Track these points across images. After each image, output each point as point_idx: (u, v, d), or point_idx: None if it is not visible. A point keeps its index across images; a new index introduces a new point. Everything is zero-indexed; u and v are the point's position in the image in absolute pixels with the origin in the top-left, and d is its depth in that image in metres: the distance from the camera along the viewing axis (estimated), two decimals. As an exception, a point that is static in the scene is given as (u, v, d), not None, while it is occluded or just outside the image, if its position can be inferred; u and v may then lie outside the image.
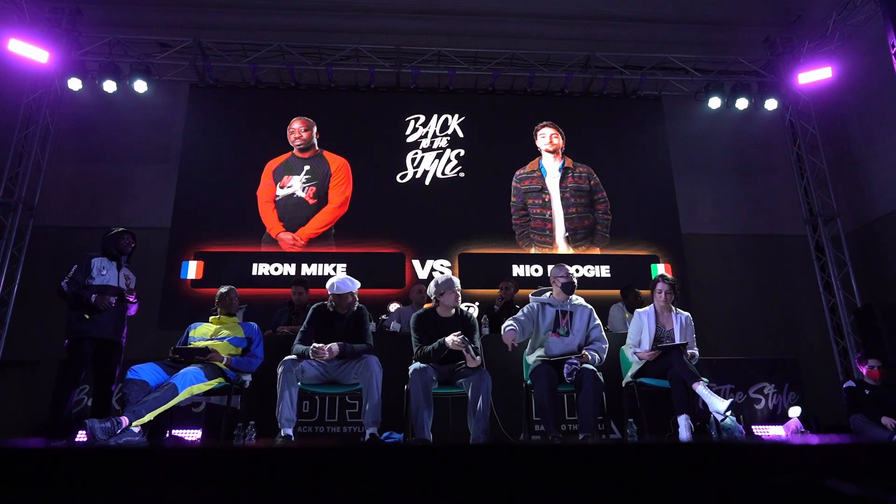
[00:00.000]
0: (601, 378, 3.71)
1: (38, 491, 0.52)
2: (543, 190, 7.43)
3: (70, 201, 7.18)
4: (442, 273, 6.58)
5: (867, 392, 4.74)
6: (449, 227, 7.15)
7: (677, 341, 4.00)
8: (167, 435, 3.94)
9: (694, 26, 7.99)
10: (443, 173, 7.42)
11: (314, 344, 3.66)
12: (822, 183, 7.26)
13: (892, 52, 5.83)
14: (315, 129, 7.47)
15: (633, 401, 4.05)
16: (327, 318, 3.92)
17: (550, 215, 7.34)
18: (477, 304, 6.57)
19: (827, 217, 7.18)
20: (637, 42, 7.71)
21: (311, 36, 7.43)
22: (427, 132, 7.57)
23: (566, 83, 7.56)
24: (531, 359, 3.98)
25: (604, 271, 7.08)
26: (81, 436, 3.83)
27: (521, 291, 5.90)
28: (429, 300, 4.13)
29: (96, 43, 6.87)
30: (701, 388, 3.64)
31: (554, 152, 7.58)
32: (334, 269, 6.83)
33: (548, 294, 4.14)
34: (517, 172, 7.47)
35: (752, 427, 5.03)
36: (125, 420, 3.13)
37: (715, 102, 7.33)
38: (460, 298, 3.95)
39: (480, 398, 3.55)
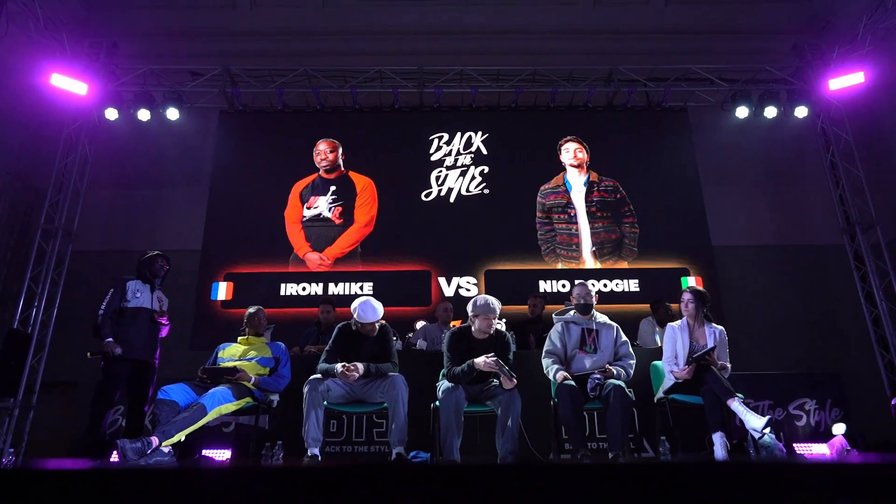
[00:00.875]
0: (630, 394, 3.62)
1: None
2: (569, 204, 7.37)
3: (107, 226, 7.43)
4: (472, 292, 6.57)
5: None
6: (474, 243, 7.14)
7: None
8: (197, 455, 3.98)
9: (718, 36, 7.90)
10: (467, 190, 7.44)
11: (340, 363, 3.66)
12: (859, 190, 7.02)
13: (928, 54, 5.65)
14: (340, 150, 7.59)
15: (665, 418, 3.94)
16: (352, 338, 3.91)
17: (576, 230, 7.27)
18: (504, 320, 6.51)
19: (865, 225, 6.93)
20: (660, 54, 7.65)
21: (336, 60, 7.59)
22: (451, 150, 7.62)
23: (589, 97, 7.53)
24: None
25: (632, 285, 6.96)
26: (115, 456, 3.91)
27: (548, 307, 5.84)
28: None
29: (131, 74, 7.14)
30: (736, 405, 3.52)
31: (579, 166, 7.54)
32: (361, 287, 6.88)
33: (571, 312, 4.10)
34: (542, 188, 7.45)
35: (794, 445, 4.83)
36: (155, 440, 3.18)
37: (742, 112, 7.20)
38: (493, 326, 3.85)
39: (510, 418, 3.50)
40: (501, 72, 7.44)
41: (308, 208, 7.32)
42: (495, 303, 3.82)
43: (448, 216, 7.31)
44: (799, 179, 7.80)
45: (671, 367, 3.96)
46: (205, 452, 4.34)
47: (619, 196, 7.42)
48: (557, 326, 4.08)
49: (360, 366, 3.65)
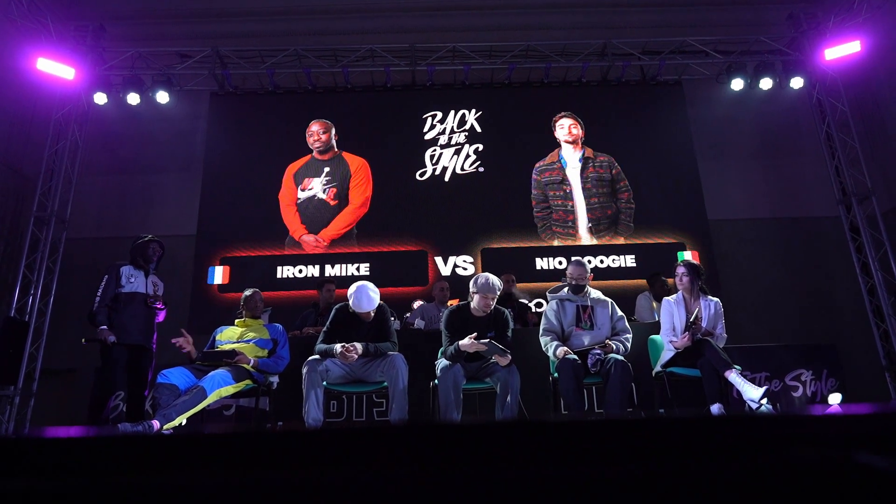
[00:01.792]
0: (630, 368, 3.65)
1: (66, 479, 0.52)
2: (564, 181, 7.34)
3: (100, 213, 7.37)
4: (473, 274, 6.57)
5: None
6: (470, 222, 7.13)
7: (704, 326, 3.91)
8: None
9: (712, 7, 7.81)
10: (462, 169, 7.39)
11: (340, 344, 3.67)
12: (855, 161, 7.00)
13: (925, 21, 5.60)
14: (333, 131, 7.52)
15: (663, 391, 3.97)
16: (350, 319, 3.92)
17: (572, 206, 7.25)
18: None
19: (861, 196, 6.93)
20: (654, 27, 7.56)
21: (326, 39, 7.49)
22: (445, 128, 7.56)
23: (583, 72, 7.46)
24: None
25: (629, 261, 6.97)
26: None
27: (544, 284, 5.85)
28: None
29: (119, 57, 7.03)
30: (734, 377, 3.55)
31: (573, 142, 7.49)
32: (357, 269, 6.87)
33: (565, 290, 4.11)
34: (537, 164, 7.41)
35: (789, 415, 4.88)
36: (156, 424, 3.19)
37: (738, 84, 7.14)
38: (492, 306, 3.87)
39: (509, 395, 3.53)
40: (494, 48, 7.35)
41: (302, 190, 7.28)
42: (496, 283, 3.84)
43: (443, 195, 7.28)
44: (795, 151, 7.78)
45: (670, 340, 3.99)
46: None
47: (614, 171, 7.39)
48: (553, 304, 4.08)
49: (359, 345, 3.66)
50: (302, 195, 7.26)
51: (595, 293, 4.14)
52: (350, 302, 3.85)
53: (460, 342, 3.63)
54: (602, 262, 6.93)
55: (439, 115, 7.61)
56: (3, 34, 6.58)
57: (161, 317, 4.38)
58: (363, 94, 7.68)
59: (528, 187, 7.32)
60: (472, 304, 3.88)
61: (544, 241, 7.14)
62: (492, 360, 3.72)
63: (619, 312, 4.09)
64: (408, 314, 5.64)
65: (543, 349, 3.95)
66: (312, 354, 3.76)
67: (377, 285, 3.93)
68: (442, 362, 3.73)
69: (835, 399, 4.85)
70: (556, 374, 3.88)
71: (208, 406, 3.51)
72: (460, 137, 7.51)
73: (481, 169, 7.39)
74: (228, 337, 3.99)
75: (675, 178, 7.35)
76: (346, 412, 4.45)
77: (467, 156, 7.44)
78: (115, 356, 4.04)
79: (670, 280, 5.42)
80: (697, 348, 3.76)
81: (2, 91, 6.82)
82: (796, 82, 7.14)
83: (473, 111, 7.62)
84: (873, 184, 6.88)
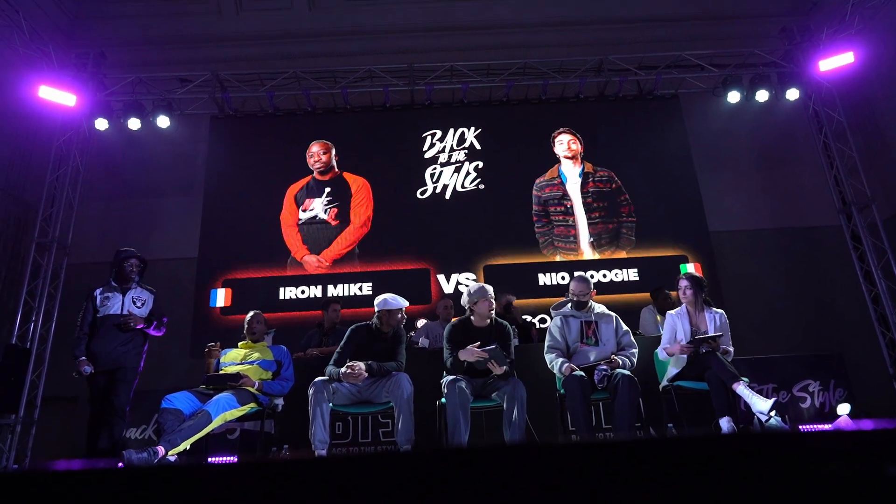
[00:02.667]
0: (637, 383, 3.62)
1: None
2: (565, 196, 7.37)
3: (101, 238, 7.36)
4: (468, 285, 6.56)
5: None
6: (472, 239, 7.13)
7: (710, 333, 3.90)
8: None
9: (706, 22, 7.90)
10: (462, 186, 7.42)
11: (345, 366, 3.66)
12: (853, 170, 7.03)
13: (917, 31, 5.66)
14: (334, 152, 7.56)
15: (671, 405, 3.94)
16: (367, 339, 3.91)
17: (573, 221, 7.26)
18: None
19: (861, 205, 6.94)
20: (649, 42, 7.64)
21: (325, 61, 7.56)
22: (444, 146, 7.60)
23: (580, 88, 7.52)
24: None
25: (632, 274, 6.96)
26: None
27: (547, 300, 5.83)
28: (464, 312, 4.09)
29: (120, 83, 7.09)
30: (742, 389, 3.52)
31: (573, 158, 7.53)
32: (360, 288, 6.86)
33: (568, 306, 4.10)
34: (537, 180, 7.43)
35: (800, 427, 4.83)
36: (161, 450, 3.16)
37: (734, 97, 7.20)
38: (494, 307, 3.91)
39: (515, 409, 3.50)
40: (492, 66, 7.42)
41: (303, 211, 7.29)
42: (488, 287, 3.91)
43: (444, 213, 7.29)
44: (793, 162, 7.81)
45: (664, 347, 3.97)
46: (211, 460, 4.32)
47: (614, 186, 7.41)
48: (556, 321, 4.07)
49: (362, 364, 3.64)
50: (303, 216, 7.27)
51: (599, 308, 4.12)
52: (379, 308, 3.91)
53: (460, 351, 3.63)
54: (605, 276, 6.92)
55: (438, 133, 7.66)
56: (5, 63, 6.65)
57: (154, 332, 4.28)
58: (362, 115, 7.74)
59: (528, 203, 7.34)
60: (475, 316, 3.88)
61: (546, 256, 7.14)
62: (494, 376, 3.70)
63: (625, 327, 4.07)
64: (412, 333, 5.61)
65: (549, 366, 3.93)
66: (317, 375, 3.74)
67: (380, 304, 3.95)
68: (447, 378, 3.71)
69: (843, 409, 4.81)
70: (562, 391, 3.85)
71: (213, 430, 3.47)
72: (460, 155, 7.55)
73: (482, 186, 7.42)
74: (232, 359, 3.97)
75: (674, 191, 7.38)
76: (352, 434, 4.40)
77: (467, 173, 7.47)
78: (97, 382, 4.01)
79: (674, 293, 5.41)
80: (704, 361, 3.73)
81: (4, 119, 6.88)
82: (792, 94, 7.19)
83: (472, 129, 7.67)
84: (873, 192, 6.90)
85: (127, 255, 4.25)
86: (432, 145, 7.61)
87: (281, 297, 6.84)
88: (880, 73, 7.17)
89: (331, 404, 3.62)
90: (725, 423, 3.54)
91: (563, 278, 6.92)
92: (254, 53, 7.82)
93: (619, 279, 6.94)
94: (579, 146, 7.57)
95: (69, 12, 7.66)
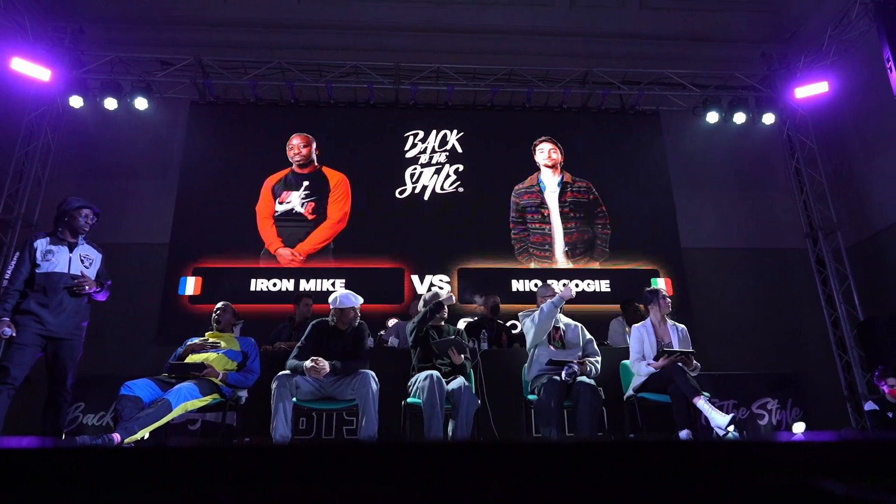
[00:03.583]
0: (600, 392, 3.69)
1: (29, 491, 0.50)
2: (542, 204, 7.43)
3: (70, 218, 7.18)
4: (443, 287, 6.59)
5: (891, 415, 4.61)
6: (448, 241, 7.14)
7: (677, 348, 4.01)
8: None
9: (690, 43, 8.06)
10: (442, 188, 7.43)
11: (310, 359, 3.63)
12: (822, 196, 7.25)
13: (888, 65, 5.86)
14: (314, 145, 7.50)
15: (634, 416, 4.00)
16: (326, 334, 3.89)
17: (550, 230, 7.33)
18: (476, 318, 6.53)
19: (827, 230, 7.16)
20: (634, 58, 7.77)
21: (311, 53, 7.50)
22: (426, 147, 7.60)
23: (564, 98, 7.61)
24: (532, 373, 4.05)
25: (603, 286, 7.05)
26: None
27: (520, 305, 5.88)
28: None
29: (98, 61, 6.93)
30: (702, 403, 3.60)
31: (553, 167, 7.60)
32: (333, 284, 6.81)
33: (536, 314, 4.20)
34: (516, 187, 7.48)
35: (756, 443, 4.95)
36: (117, 437, 3.09)
37: (712, 117, 7.36)
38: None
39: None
40: (478, 71, 7.46)
41: (280, 203, 7.22)
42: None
43: (422, 214, 7.29)
44: (766, 184, 8.00)
45: (648, 362, 4.04)
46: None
47: (591, 197, 7.51)
48: (526, 322, 4.24)
49: (326, 364, 3.61)
50: (280, 208, 7.19)
51: (565, 319, 4.30)
52: (333, 306, 3.87)
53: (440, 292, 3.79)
54: (577, 285, 6.99)
55: (421, 133, 7.66)
56: (-22, 32, 6.45)
57: (102, 297, 3.74)
58: (346, 110, 7.69)
59: (506, 209, 7.38)
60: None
61: (521, 262, 7.19)
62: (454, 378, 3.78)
63: (588, 335, 4.26)
64: (382, 331, 5.61)
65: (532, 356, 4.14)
66: (283, 369, 3.70)
67: (353, 301, 3.93)
68: (422, 374, 3.72)
69: (799, 428, 4.94)
70: (530, 397, 3.90)
71: (173, 420, 3.41)
72: (441, 157, 7.56)
73: (461, 189, 7.44)
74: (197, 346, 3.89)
75: (650, 205, 7.50)
76: (315, 429, 4.37)
77: (447, 175, 7.48)
78: (17, 352, 3.39)
79: (642, 306, 5.51)
80: (668, 374, 3.81)
81: (-27, 89, 6.66)
82: (768, 118, 7.39)
83: (455, 131, 7.68)
84: (839, 218, 7.13)
85: (81, 204, 3.63)
86: (414, 145, 7.61)
87: (252, 288, 6.75)
88: (852, 105, 7.40)
89: (294, 399, 3.59)
90: (685, 436, 3.61)
91: (535, 285, 6.97)
92: (239, 40, 7.71)
93: (591, 289, 7.02)
94: (560, 156, 7.65)
95: (49, -16, 7.46)
